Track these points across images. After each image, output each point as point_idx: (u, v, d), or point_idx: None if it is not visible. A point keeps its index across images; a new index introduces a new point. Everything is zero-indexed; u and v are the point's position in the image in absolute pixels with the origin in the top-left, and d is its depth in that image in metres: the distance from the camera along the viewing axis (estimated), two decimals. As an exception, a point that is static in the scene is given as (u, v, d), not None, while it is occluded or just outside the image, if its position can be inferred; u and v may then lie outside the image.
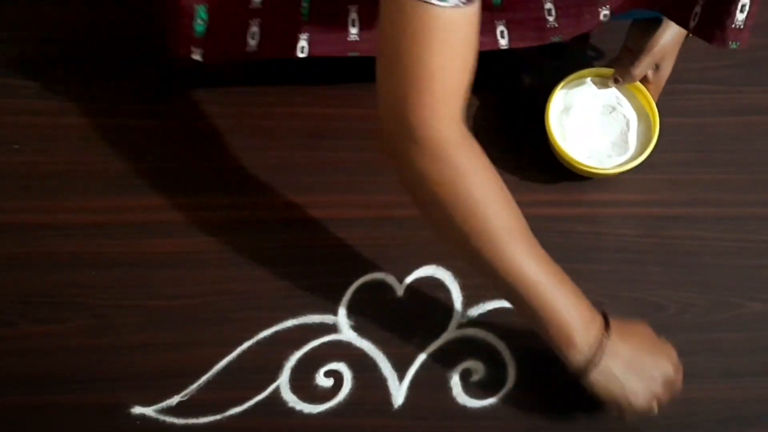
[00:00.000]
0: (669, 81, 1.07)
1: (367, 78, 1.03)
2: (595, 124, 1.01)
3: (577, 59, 1.09)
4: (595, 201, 1.02)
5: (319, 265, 0.98)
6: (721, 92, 1.08)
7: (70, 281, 0.98)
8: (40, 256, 0.99)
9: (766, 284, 0.97)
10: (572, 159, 0.97)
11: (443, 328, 0.95)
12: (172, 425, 0.90)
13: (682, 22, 0.89)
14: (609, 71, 1.01)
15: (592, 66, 1.05)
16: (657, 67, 0.98)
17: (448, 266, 0.98)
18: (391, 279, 0.97)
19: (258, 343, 0.94)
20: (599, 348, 0.79)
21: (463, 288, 0.96)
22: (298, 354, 0.94)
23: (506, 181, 1.02)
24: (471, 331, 0.94)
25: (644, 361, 0.82)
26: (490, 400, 0.91)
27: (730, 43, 0.85)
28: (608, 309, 0.95)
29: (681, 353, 0.92)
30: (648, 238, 0.99)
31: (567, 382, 0.91)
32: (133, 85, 1.10)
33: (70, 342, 0.94)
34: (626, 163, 0.98)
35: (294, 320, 0.95)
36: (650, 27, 0.95)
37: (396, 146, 0.75)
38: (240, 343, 0.94)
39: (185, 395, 0.92)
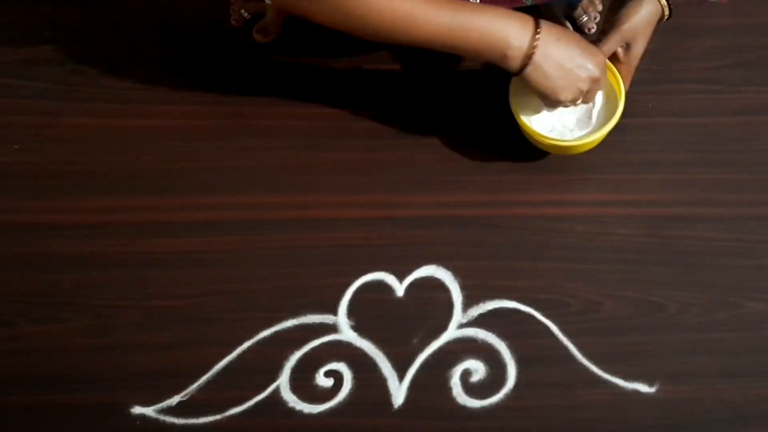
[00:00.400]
0: (669, 80, 1.08)
1: (367, 78, 1.04)
2: None
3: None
4: (595, 201, 1.02)
5: (319, 265, 0.98)
6: (721, 92, 1.08)
7: (69, 281, 0.98)
8: (40, 256, 0.99)
9: (766, 284, 0.96)
10: (534, 131, 0.96)
11: (443, 328, 0.95)
12: (172, 425, 0.90)
13: None
14: None
15: None
16: (628, 47, 0.96)
17: (448, 266, 0.98)
18: (391, 279, 0.97)
19: (258, 343, 0.94)
20: (531, 48, 0.85)
21: (464, 288, 0.96)
22: (298, 354, 0.94)
23: (504, 182, 1.03)
24: (471, 331, 0.94)
25: (573, 60, 0.88)
26: (490, 401, 0.91)
27: None
28: (608, 309, 0.95)
29: (681, 353, 0.92)
30: (648, 238, 0.99)
31: (567, 382, 0.92)
32: (133, 85, 1.10)
33: (69, 342, 0.94)
34: (586, 136, 0.97)
35: (294, 320, 0.95)
36: (621, 4, 0.94)
37: None
38: (240, 343, 0.94)
39: (185, 395, 0.92)
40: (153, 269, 0.98)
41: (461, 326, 0.95)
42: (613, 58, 0.97)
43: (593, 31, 1.10)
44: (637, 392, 0.91)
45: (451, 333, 0.94)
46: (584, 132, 0.98)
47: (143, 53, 1.12)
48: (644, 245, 0.99)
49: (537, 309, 0.95)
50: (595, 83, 0.91)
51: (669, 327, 0.94)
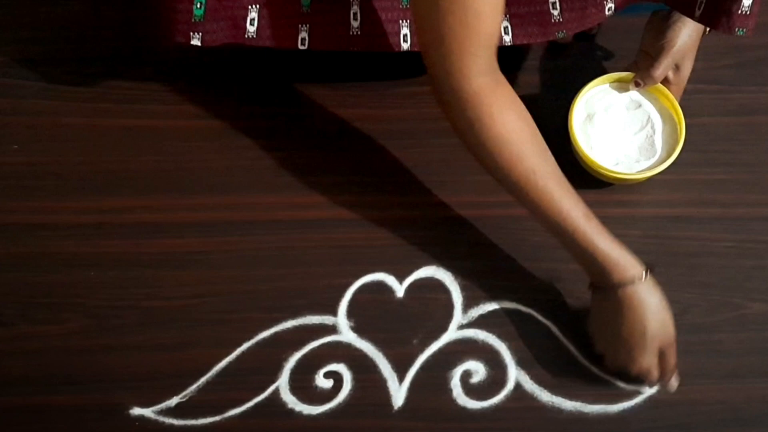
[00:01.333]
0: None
1: (367, 78, 1.04)
2: (620, 129, 1.00)
3: (590, 66, 1.08)
4: (594, 201, 1.01)
5: (319, 266, 0.98)
6: (721, 92, 1.08)
7: (69, 281, 0.98)
8: (40, 256, 0.99)
9: (766, 284, 0.96)
10: (601, 167, 0.97)
11: (443, 329, 0.95)
12: (171, 426, 0.90)
13: (687, 11, 0.90)
14: (628, 75, 1.00)
15: (607, 72, 1.04)
16: (677, 68, 0.98)
17: (448, 267, 0.98)
18: (391, 279, 0.97)
19: (257, 343, 0.94)
20: (632, 287, 0.84)
21: (464, 289, 0.96)
22: (297, 355, 0.94)
23: (499, 185, 1.02)
24: (471, 332, 0.94)
25: (663, 322, 0.86)
26: (490, 402, 0.91)
27: (736, 29, 0.87)
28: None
29: (681, 353, 0.92)
30: (648, 238, 0.99)
31: (567, 383, 0.91)
32: (133, 85, 1.10)
33: (68, 342, 0.94)
34: (655, 166, 0.97)
35: (293, 321, 0.95)
36: (666, 27, 0.95)
37: (442, 98, 0.84)
38: (239, 344, 0.94)
39: (184, 396, 0.92)
40: (153, 269, 0.98)
41: (461, 327, 0.95)
42: (663, 80, 0.98)
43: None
44: (637, 392, 0.91)
45: (451, 334, 0.94)
46: (651, 161, 0.98)
47: (143, 53, 1.12)
48: (644, 245, 0.98)
49: (537, 310, 0.95)
50: (661, 356, 0.87)
51: (669, 327, 0.94)
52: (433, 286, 0.97)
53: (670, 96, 0.99)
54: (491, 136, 0.82)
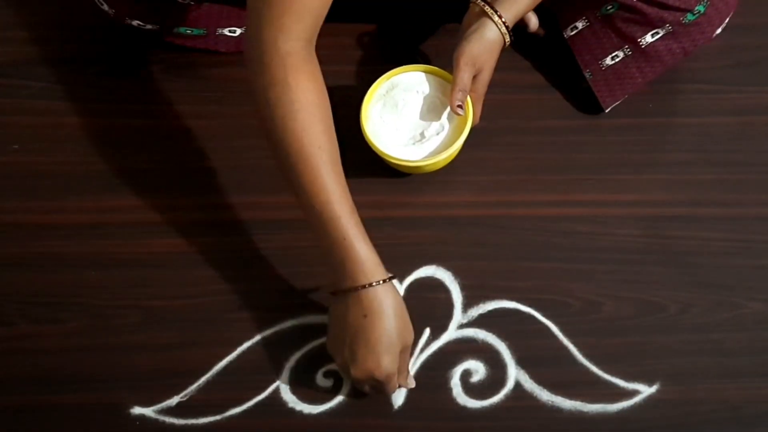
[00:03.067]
0: (669, 80, 1.07)
1: (366, 78, 1.04)
2: (411, 115, 1.00)
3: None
4: (595, 201, 1.02)
5: (319, 265, 0.97)
6: (721, 92, 1.08)
7: (69, 281, 0.98)
8: (40, 256, 0.99)
9: (766, 284, 0.96)
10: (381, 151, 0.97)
11: (443, 328, 0.95)
12: (172, 426, 0.90)
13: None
14: (440, 71, 1.00)
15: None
16: (475, 76, 0.96)
17: (448, 266, 0.98)
18: (390, 279, 0.97)
19: (258, 343, 0.94)
20: (372, 290, 0.82)
21: (464, 288, 0.96)
22: (297, 354, 0.94)
23: (504, 182, 1.03)
24: (471, 332, 0.94)
25: (406, 324, 0.84)
26: (490, 401, 0.91)
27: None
28: (608, 309, 0.95)
29: (681, 353, 0.92)
30: (648, 238, 0.99)
31: (567, 382, 0.91)
32: (133, 85, 1.10)
33: (69, 342, 0.94)
34: (428, 158, 0.97)
35: (294, 320, 0.95)
36: (467, 36, 0.94)
37: (251, 55, 0.82)
38: (240, 343, 0.94)
39: (185, 396, 0.92)
40: (153, 269, 0.98)
41: (461, 326, 0.95)
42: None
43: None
44: (637, 392, 0.91)
45: (451, 333, 0.94)
46: (423, 153, 0.97)
47: (143, 53, 1.12)
48: (644, 245, 0.99)
49: (537, 309, 0.95)
50: (386, 375, 0.84)
51: (669, 327, 0.94)
52: (433, 285, 0.97)
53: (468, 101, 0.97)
54: (288, 99, 0.80)
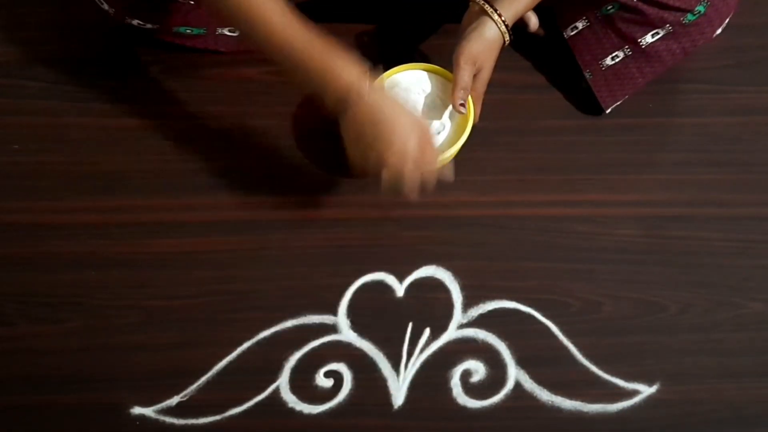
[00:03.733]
0: (669, 80, 1.07)
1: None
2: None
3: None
4: (595, 201, 1.02)
5: (319, 266, 0.98)
6: (721, 92, 1.08)
7: (69, 281, 0.98)
8: (40, 256, 0.99)
9: (766, 284, 0.97)
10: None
11: (443, 328, 0.95)
12: (172, 426, 0.90)
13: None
14: (442, 70, 1.00)
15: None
16: (475, 75, 0.96)
17: (448, 266, 0.98)
18: (391, 279, 0.97)
19: (258, 343, 0.94)
20: (361, 90, 0.84)
21: (463, 288, 0.96)
22: (298, 354, 0.94)
23: (504, 182, 1.03)
24: (471, 332, 0.94)
25: (402, 112, 0.87)
26: (490, 401, 0.91)
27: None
28: (608, 309, 0.95)
29: (681, 353, 0.92)
30: (648, 238, 0.99)
31: (567, 382, 0.92)
32: (133, 85, 1.10)
33: (69, 342, 0.94)
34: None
35: (294, 320, 0.95)
36: (467, 35, 0.94)
37: None
38: (240, 344, 0.94)
39: (185, 396, 0.92)
40: (153, 269, 0.98)
41: (461, 326, 0.95)
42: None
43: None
44: (637, 392, 0.91)
45: (451, 333, 0.94)
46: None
47: (144, 54, 1.12)
48: (644, 245, 0.99)
49: (537, 309, 0.95)
50: (420, 143, 0.87)
51: (669, 327, 0.94)
52: (433, 285, 0.97)
53: (469, 100, 0.97)
54: None
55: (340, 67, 0.84)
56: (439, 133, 0.98)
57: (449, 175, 0.90)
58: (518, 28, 0.97)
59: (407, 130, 0.85)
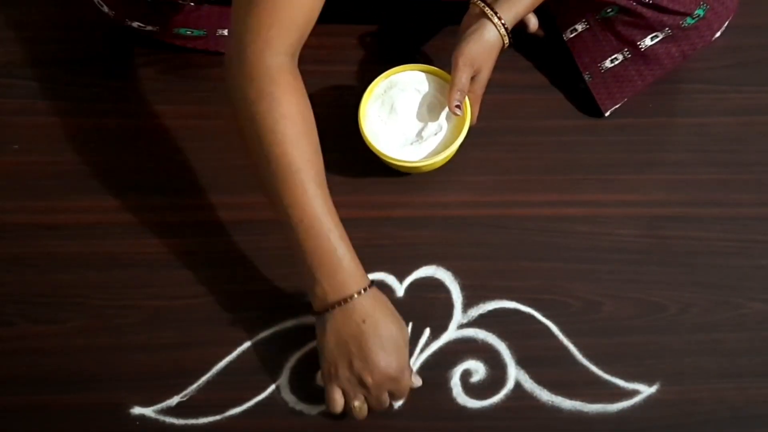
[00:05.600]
0: (669, 80, 1.07)
1: (364, 78, 1.04)
2: (408, 115, 1.00)
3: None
4: (595, 201, 1.02)
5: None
6: (721, 92, 1.08)
7: (69, 281, 0.98)
8: (40, 256, 0.99)
9: (766, 284, 0.96)
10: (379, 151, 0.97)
11: (443, 328, 0.95)
12: (172, 425, 0.90)
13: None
14: (439, 71, 1.00)
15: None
16: (473, 77, 0.95)
17: (448, 266, 0.98)
18: (391, 279, 0.97)
19: (258, 343, 0.94)
20: (365, 295, 0.82)
21: (464, 288, 0.96)
22: (297, 354, 0.94)
23: (504, 182, 1.03)
24: (471, 332, 0.94)
25: (389, 339, 0.83)
26: (490, 401, 0.91)
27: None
28: (608, 309, 0.95)
29: (681, 353, 0.92)
30: (648, 238, 0.99)
31: (567, 382, 0.91)
32: (133, 86, 1.10)
33: (69, 342, 0.94)
34: (427, 158, 0.97)
35: (294, 320, 0.95)
36: (466, 37, 0.94)
37: (237, 69, 0.81)
38: (240, 344, 0.94)
39: (185, 395, 0.92)
40: (153, 269, 0.98)
41: (461, 326, 0.95)
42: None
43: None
44: (637, 392, 0.91)
45: (451, 333, 0.94)
46: (421, 153, 0.97)
47: (144, 54, 1.12)
48: (644, 245, 0.99)
49: (537, 309, 0.95)
50: (367, 392, 0.84)
51: (669, 327, 0.94)
52: (433, 285, 0.97)
53: (467, 102, 0.97)
54: (278, 113, 0.80)
55: (356, 268, 0.83)
56: (436, 134, 0.98)
57: (418, 381, 0.88)
58: (518, 29, 0.97)
59: (396, 341, 0.83)
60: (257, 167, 0.82)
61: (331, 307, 0.83)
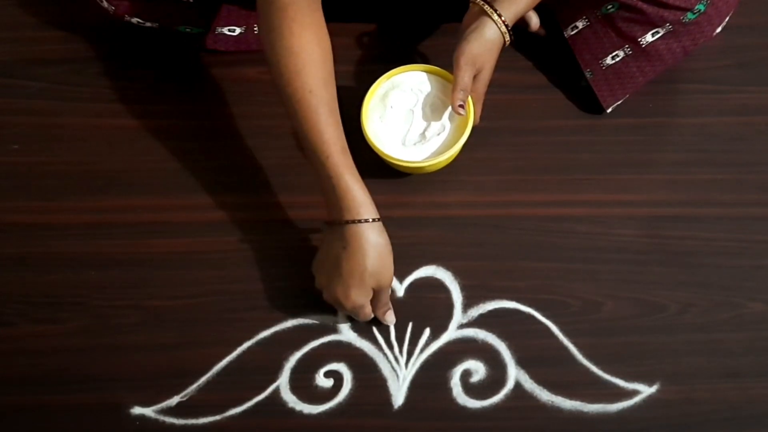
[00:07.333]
0: (669, 80, 1.07)
1: (363, 78, 1.04)
2: (408, 115, 1.00)
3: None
4: (595, 201, 1.02)
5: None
6: (721, 92, 1.08)
7: (69, 281, 0.98)
8: (40, 256, 0.99)
9: (766, 284, 0.96)
10: (381, 151, 0.97)
11: (443, 328, 0.95)
12: (172, 426, 0.90)
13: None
14: (441, 71, 1.00)
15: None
16: (476, 76, 0.95)
17: (448, 266, 0.98)
18: (391, 279, 0.97)
19: (258, 343, 0.94)
20: (357, 226, 0.86)
21: (463, 288, 0.96)
22: (297, 354, 0.94)
23: (504, 182, 1.03)
24: (471, 332, 0.94)
25: (383, 264, 0.88)
26: (490, 401, 0.91)
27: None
28: (608, 309, 0.95)
29: (681, 353, 0.92)
30: (648, 238, 0.99)
31: (567, 382, 0.92)
32: (132, 85, 1.10)
33: (69, 342, 0.95)
34: (429, 158, 0.97)
35: (294, 320, 0.95)
36: (467, 36, 0.94)
37: (259, 4, 0.88)
38: (240, 344, 0.94)
39: (185, 395, 0.92)
40: (153, 269, 0.98)
41: (461, 326, 0.95)
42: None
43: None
44: (637, 392, 0.91)
45: (451, 333, 0.94)
46: (424, 154, 0.97)
47: (143, 54, 1.12)
48: (644, 245, 0.99)
49: (537, 309, 0.95)
50: (353, 306, 0.89)
51: (669, 327, 0.94)
52: (433, 285, 0.97)
53: (469, 101, 0.97)
54: (283, 45, 0.86)
55: (357, 198, 0.87)
56: (439, 134, 0.98)
57: (389, 319, 0.94)
58: (519, 27, 0.97)
59: (359, 279, 0.87)
60: (278, 95, 0.89)
61: (333, 223, 0.88)
